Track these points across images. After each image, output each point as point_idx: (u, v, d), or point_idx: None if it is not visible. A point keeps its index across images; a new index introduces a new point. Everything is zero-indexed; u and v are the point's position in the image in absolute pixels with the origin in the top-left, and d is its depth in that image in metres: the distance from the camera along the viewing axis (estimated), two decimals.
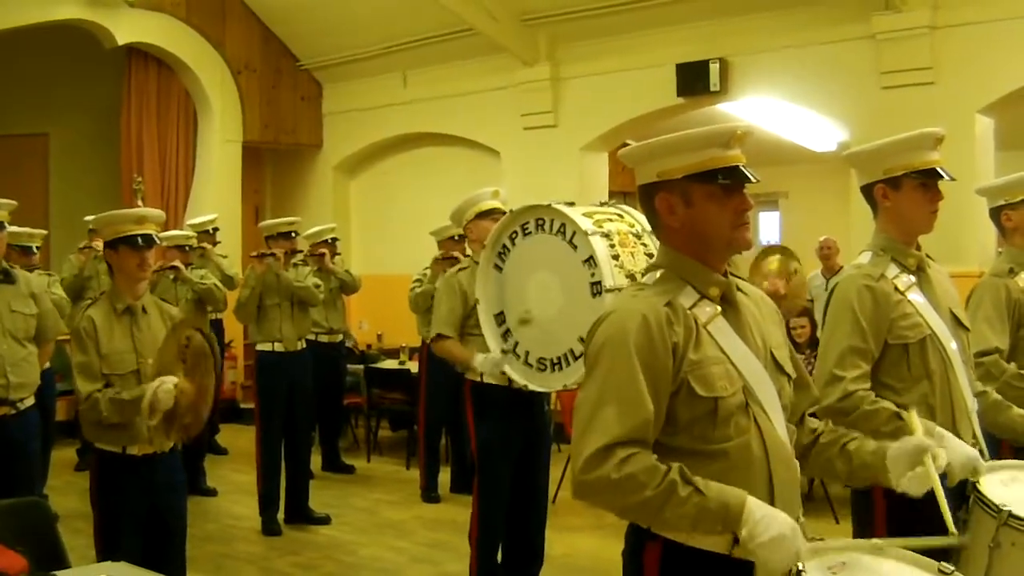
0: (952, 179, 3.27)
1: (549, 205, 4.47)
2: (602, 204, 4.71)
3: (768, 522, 2.19)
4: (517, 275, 4.68)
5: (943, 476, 2.96)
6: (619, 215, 4.52)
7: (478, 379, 5.29)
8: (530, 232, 4.59)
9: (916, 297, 3.30)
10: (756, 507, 2.21)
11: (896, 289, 3.29)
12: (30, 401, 5.38)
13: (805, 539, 2.26)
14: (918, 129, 3.34)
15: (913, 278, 3.33)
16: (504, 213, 5.06)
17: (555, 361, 4.53)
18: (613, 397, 2.27)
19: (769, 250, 9.07)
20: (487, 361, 4.94)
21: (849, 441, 2.62)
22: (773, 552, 2.18)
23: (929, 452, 2.53)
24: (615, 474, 2.20)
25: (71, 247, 9.27)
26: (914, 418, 2.74)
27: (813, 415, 2.73)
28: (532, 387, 4.72)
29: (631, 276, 4.07)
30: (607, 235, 4.28)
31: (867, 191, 3.41)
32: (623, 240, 4.30)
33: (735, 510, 2.20)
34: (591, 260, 4.23)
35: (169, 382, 4.05)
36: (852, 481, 2.75)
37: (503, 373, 4.89)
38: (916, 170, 3.27)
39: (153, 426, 4.11)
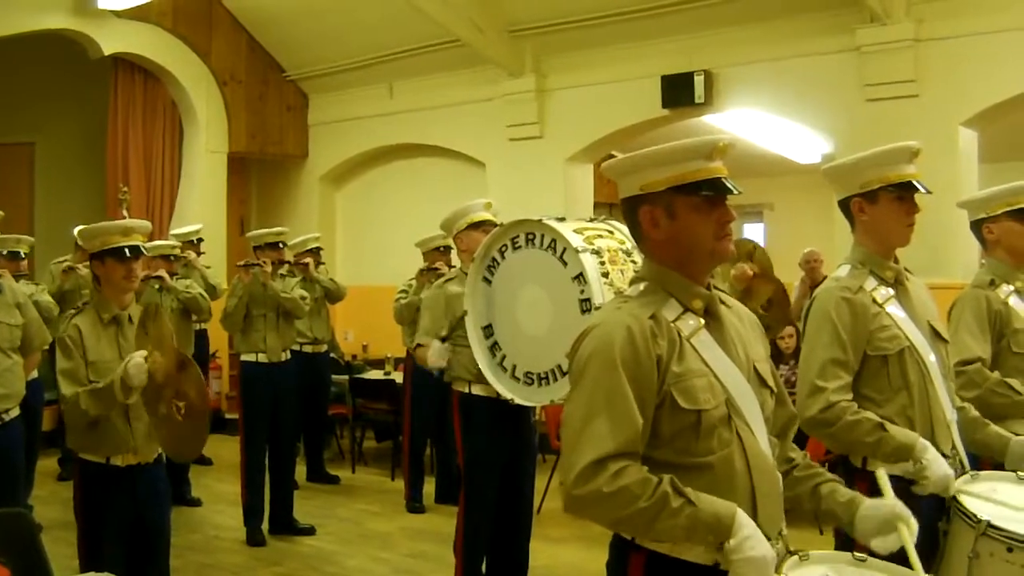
0: (928, 192, 3.29)
1: (540, 220, 4.45)
2: (592, 219, 4.68)
3: (754, 543, 2.21)
4: (506, 289, 4.68)
5: (912, 482, 3.00)
6: (610, 231, 4.51)
7: (466, 390, 5.31)
8: (520, 246, 4.58)
9: (894, 310, 3.31)
10: (746, 522, 2.23)
11: (874, 301, 3.30)
12: (15, 412, 5.38)
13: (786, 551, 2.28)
14: (896, 142, 3.37)
15: (891, 291, 3.35)
16: (496, 225, 5.05)
17: (543, 376, 4.53)
18: (602, 410, 2.26)
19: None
20: (433, 349, 5.30)
21: (823, 483, 2.62)
22: (750, 570, 2.20)
23: (903, 522, 2.50)
24: (608, 487, 2.20)
25: (55, 257, 9.19)
26: (884, 480, 2.70)
27: (796, 442, 2.72)
28: (519, 401, 4.72)
29: (620, 294, 4.07)
30: (597, 252, 4.27)
31: (844, 205, 3.44)
32: (613, 257, 4.28)
33: (726, 520, 2.21)
34: (581, 277, 4.22)
35: (138, 356, 4.04)
36: (818, 520, 2.75)
37: (485, 381, 4.89)
38: (892, 183, 3.29)
39: (131, 403, 4.11)
